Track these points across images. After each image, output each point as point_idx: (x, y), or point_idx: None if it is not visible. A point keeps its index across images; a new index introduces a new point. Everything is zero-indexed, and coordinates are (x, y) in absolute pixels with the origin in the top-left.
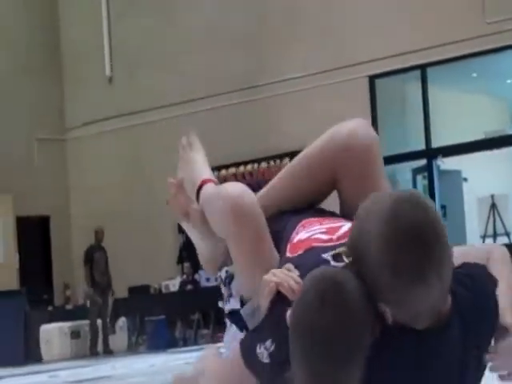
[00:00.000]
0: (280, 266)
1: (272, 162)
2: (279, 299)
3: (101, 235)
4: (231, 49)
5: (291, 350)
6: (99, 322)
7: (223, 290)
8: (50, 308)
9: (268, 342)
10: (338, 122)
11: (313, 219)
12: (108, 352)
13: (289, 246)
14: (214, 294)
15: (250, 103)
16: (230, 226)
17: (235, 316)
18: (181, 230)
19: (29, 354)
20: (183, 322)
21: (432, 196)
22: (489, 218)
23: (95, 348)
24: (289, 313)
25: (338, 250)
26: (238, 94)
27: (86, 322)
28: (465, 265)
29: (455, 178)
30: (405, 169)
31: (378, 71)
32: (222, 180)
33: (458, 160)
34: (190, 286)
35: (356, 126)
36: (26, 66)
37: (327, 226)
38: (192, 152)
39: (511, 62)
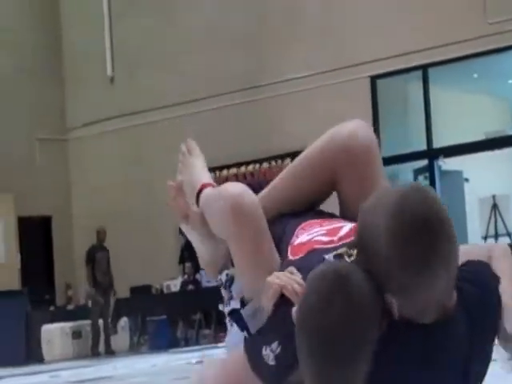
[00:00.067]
0: (282, 269)
1: (273, 163)
2: (283, 302)
3: (103, 235)
4: (231, 49)
5: (298, 347)
6: (101, 322)
7: (223, 292)
8: (51, 308)
9: (274, 345)
10: (340, 122)
11: (313, 221)
12: (110, 352)
13: (290, 249)
14: (216, 294)
15: (251, 103)
16: (230, 225)
17: (236, 315)
18: (182, 231)
19: (30, 354)
20: (185, 322)
21: None
22: (490, 218)
23: (97, 348)
24: (294, 310)
25: (339, 251)
26: (239, 95)
27: (88, 322)
28: (469, 262)
29: (456, 178)
30: (406, 169)
31: (379, 71)
32: (224, 180)
33: (460, 160)
34: (191, 286)
35: (356, 126)
36: (27, 67)
37: (328, 227)
38: (191, 157)
39: None
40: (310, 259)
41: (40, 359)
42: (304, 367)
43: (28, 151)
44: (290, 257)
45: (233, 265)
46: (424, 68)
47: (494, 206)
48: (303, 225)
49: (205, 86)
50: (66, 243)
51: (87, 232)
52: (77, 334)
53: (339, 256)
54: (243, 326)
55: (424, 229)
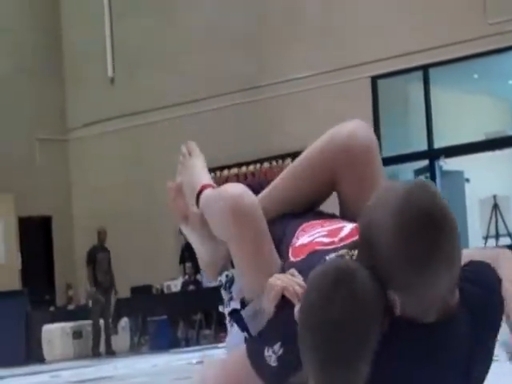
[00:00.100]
0: (283, 271)
1: (274, 163)
2: (284, 303)
3: (103, 235)
4: (231, 49)
5: (301, 345)
6: (101, 322)
7: (223, 293)
8: (51, 308)
9: (276, 346)
10: (340, 123)
11: (313, 222)
12: (110, 352)
13: (291, 250)
14: (216, 294)
15: (251, 104)
16: (230, 226)
17: (236, 315)
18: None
19: (31, 354)
20: (185, 323)
21: None
22: (491, 218)
23: (97, 348)
24: (297, 309)
25: (340, 252)
26: (240, 95)
27: (88, 322)
28: (471, 263)
29: (457, 178)
30: (407, 169)
31: (380, 72)
32: (224, 180)
33: (460, 161)
34: (192, 287)
35: (355, 127)
36: (27, 67)
37: (328, 228)
38: (191, 158)
39: None
40: (311, 261)
41: (40, 359)
42: (307, 365)
43: (28, 151)
44: (291, 258)
45: (232, 266)
46: (425, 68)
47: (495, 207)
48: (304, 226)
49: (205, 86)
50: (66, 243)
51: (87, 232)
52: (77, 334)
53: (340, 257)
54: (243, 327)
55: (428, 225)
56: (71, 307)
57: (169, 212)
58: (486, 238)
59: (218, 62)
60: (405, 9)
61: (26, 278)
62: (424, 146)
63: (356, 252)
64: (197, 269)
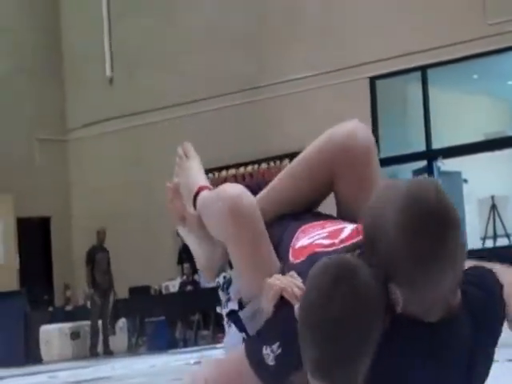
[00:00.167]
0: (283, 272)
1: (272, 163)
2: (283, 303)
3: (103, 236)
4: (231, 49)
5: (301, 343)
6: (99, 322)
7: (221, 294)
8: (50, 309)
9: (275, 346)
10: (339, 123)
11: (314, 224)
12: (108, 353)
13: (291, 252)
14: (214, 294)
15: (250, 104)
16: (228, 227)
17: (234, 316)
18: None
19: (29, 354)
20: (183, 323)
21: None
22: (489, 219)
23: (95, 349)
24: (297, 307)
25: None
26: (239, 95)
27: (86, 322)
28: (473, 266)
29: (455, 179)
30: (405, 170)
31: (378, 72)
32: (223, 181)
33: (459, 161)
34: (190, 287)
35: (354, 127)
36: (27, 67)
37: (329, 229)
38: (188, 160)
39: None
40: (311, 263)
41: (38, 360)
42: (307, 363)
43: (28, 152)
44: (291, 259)
45: (230, 267)
46: (423, 69)
47: (493, 207)
48: (304, 227)
49: (204, 86)
50: (64, 244)
51: (86, 233)
52: (75, 335)
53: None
54: (241, 328)
55: (432, 222)
56: (69, 308)
57: (167, 213)
58: (484, 238)
59: (218, 62)
60: (404, 9)
61: (24, 278)
62: (422, 147)
63: (356, 253)
64: (195, 269)
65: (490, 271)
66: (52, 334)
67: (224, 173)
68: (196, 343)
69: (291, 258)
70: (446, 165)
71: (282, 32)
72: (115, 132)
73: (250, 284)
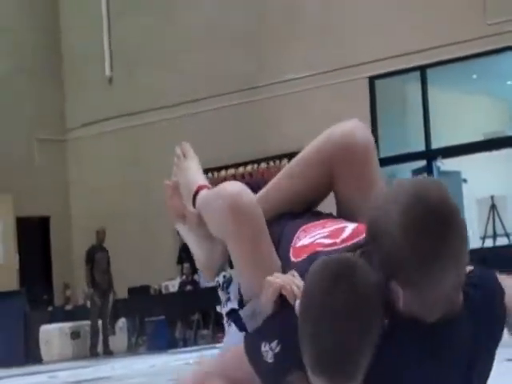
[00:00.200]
0: (283, 270)
1: (271, 163)
2: (283, 301)
3: (102, 235)
4: (231, 47)
5: (301, 338)
6: (100, 322)
7: (221, 294)
8: (49, 308)
9: (274, 343)
10: (338, 123)
11: (315, 223)
12: (108, 353)
13: (292, 251)
14: (214, 294)
15: (249, 104)
16: (228, 224)
17: (234, 315)
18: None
19: (29, 354)
20: (183, 323)
21: None
22: (488, 219)
23: (95, 349)
24: (297, 303)
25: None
26: (238, 95)
27: (86, 322)
28: (475, 269)
29: (455, 179)
30: (404, 170)
31: (378, 72)
32: (222, 181)
33: (458, 161)
34: (189, 287)
35: (353, 126)
36: (26, 67)
37: (330, 229)
38: (186, 160)
39: (511, 64)
40: (312, 262)
41: (38, 359)
42: (306, 358)
43: (27, 151)
44: (292, 258)
45: (230, 266)
46: (422, 68)
47: (493, 207)
48: (305, 227)
49: (204, 86)
50: (64, 244)
51: (85, 232)
52: (75, 335)
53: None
54: (241, 327)
55: (436, 222)
56: (69, 307)
57: (166, 212)
58: (484, 238)
59: (217, 61)
60: (404, 9)
61: (24, 278)
62: (421, 147)
63: (357, 253)
64: (194, 269)
65: (492, 274)
66: (52, 334)
67: (223, 173)
68: (196, 343)
69: (292, 257)
70: (446, 164)
71: (281, 31)
72: (114, 132)
73: (250, 282)
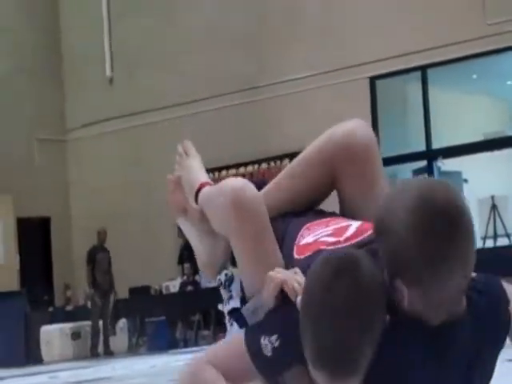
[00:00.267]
0: (286, 268)
1: (272, 163)
2: (284, 297)
3: (103, 236)
4: (231, 49)
5: (302, 333)
6: (100, 323)
7: (223, 292)
8: (50, 309)
9: (274, 337)
10: (339, 123)
11: (319, 221)
12: (108, 353)
13: (295, 249)
14: (215, 294)
15: (250, 104)
16: (231, 220)
17: (236, 314)
18: (181, 232)
19: (29, 354)
20: (184, 323)
21: None
22: (489, 219)
23: (96, 349)
24: (299, 298)
25: None
26: (239, 95)
27: (87, 322)
28: (480, 274)
29: (455, 179)
30: (405, 170)
31: (378, 72)
32: None
33: (459, 161)
34: (190, 287)
35: (355, 125)
36: (26, 67)
37: (333, 227)
38: (188, 158)
39: (511, 64)
40: (314, 260)
41: (39, 360)
42: (308, 353)
43: (27, 152)
44: (296, 256)
45: (232, 264)
46: (423, 69)
47: (493, 207)
48: (308, 225)
49: (204, 86)
50: (64, 244)
51: (86, 233)
52: (76, 335)
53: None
54: (243, 325)
55: (443, 222)
56: (70, 308)
57: (167, 212)
58: (485, 238)
59: (218, 62)
60: (404, 9)
61: (24, 278)
62: (422, 147)
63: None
64: (195, 269)
65: (498, 281)
66: (53, 335)
67: (224, 173)
68: (196, 343)
69: (295, 255)
70: (446, 165)
71: (281, 32)
72: (115, 132)
73: (253, 279)
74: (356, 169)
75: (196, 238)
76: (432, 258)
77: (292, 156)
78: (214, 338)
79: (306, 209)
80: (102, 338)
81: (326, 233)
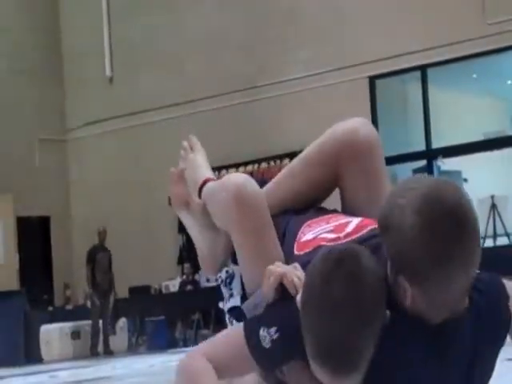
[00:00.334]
0: (287, 264)
1: (272, 163)
2: (284, 291)
3: (103, 235)
4: (231, 49)
5: (303, 327)
6: (100, 322)
7: (223, 290)
8: (50, 308)
9: (273, 329)
10: (339, 122)
11: (319, 218)
12: (108, 352)
13: (296, 245)
14: (214, 294)
15: (250, 104)
16: (232, 215)
17: (236, 312)
18: (181, 230)
19: (29, 354)
20: (183, 323)
21: None
22: (489, 218)
23: (96, 348)
24: (299, 293)
25: None
26: (238, 95)
27: (87, 322)
28: (482, 274)
29: (455, 178)
30: (405, 169)
31: (378, 72)
32: None
33: (459, 161)
34: (190, 287)
35: (355, 124)
36: (27, 67)
37: (334, 224)
38: (193, 153)
39: (511, 63)
40: (315, 256)
41: (39, 359)
42: (308, 348)
43: (27, 151)
44: (296, 252)
45: (233, 262)
46: (423, 68)
47: (493, 207)
48: (309, 222)
49: (204, 86)
50: (64, 244)
51: (86, 232)
52: (76, 335)
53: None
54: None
55: (450, 222)
56: (69, 307)
57: (167, 212)
58: (484, 237)
59: (218, 62)
60: (404, 9)
61: (24, 277)
62: (422, 146)
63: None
64: (195, 269)
65: (498, 280)
66: (52, 334)
67: (224, 172)
68: (196, 343)
69: (296, 251)
70: (446, 164)
71: (281, 32)
72: (115, 131)
73: (253, 274)
74: (360, 166)
75: (197, 231)
76: (439, 258)
77: (292, 155)
78: None
79: (307, 206)
80: (101, 337)
81: (326, 229)
